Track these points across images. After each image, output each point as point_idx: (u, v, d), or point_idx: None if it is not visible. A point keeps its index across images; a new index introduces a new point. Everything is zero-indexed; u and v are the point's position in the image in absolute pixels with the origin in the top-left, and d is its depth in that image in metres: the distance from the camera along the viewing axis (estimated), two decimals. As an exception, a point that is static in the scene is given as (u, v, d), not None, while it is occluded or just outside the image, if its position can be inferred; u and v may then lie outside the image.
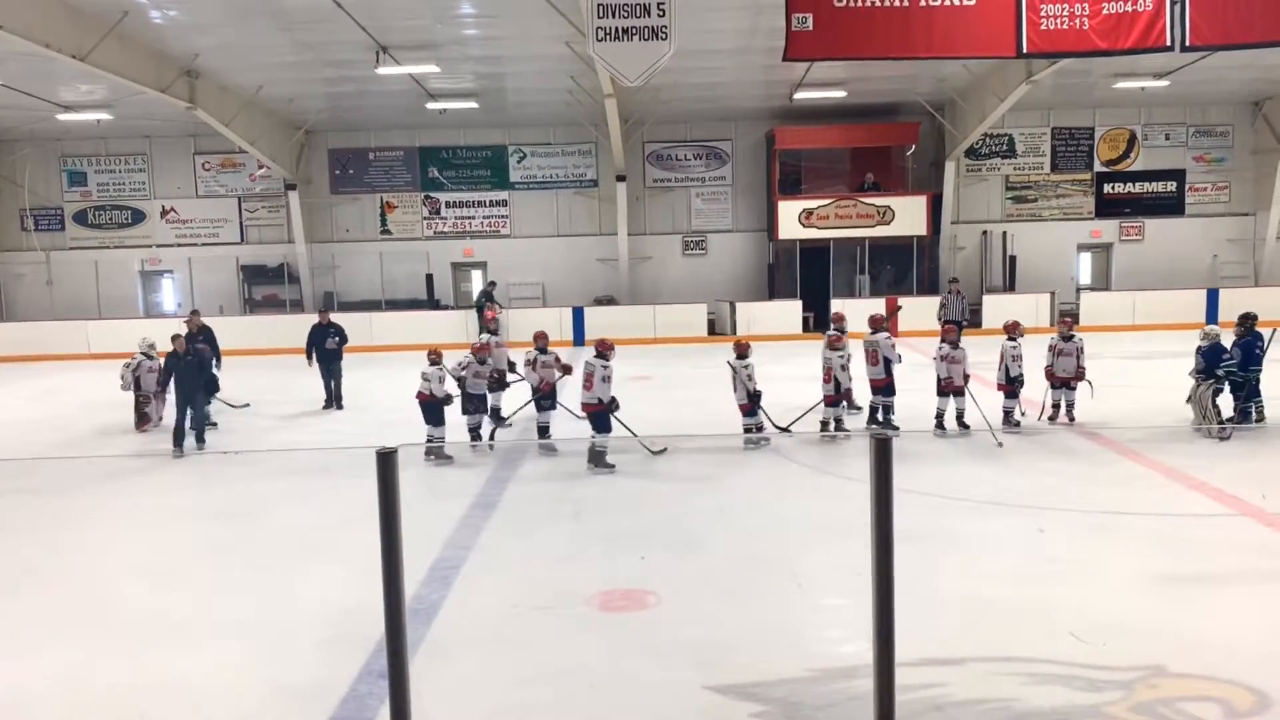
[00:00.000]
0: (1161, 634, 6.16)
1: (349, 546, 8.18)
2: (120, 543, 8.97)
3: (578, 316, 23.81)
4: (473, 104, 22.28)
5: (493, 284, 23.87)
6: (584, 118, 23.10)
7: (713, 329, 24.15)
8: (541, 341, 12.12)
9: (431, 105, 21.97)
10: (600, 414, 10.89)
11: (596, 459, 10.77)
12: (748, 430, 11.70)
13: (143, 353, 13.86)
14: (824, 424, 12.07)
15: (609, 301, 24.97)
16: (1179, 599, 6.79)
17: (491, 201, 25.97)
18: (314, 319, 15.83)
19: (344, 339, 15.25)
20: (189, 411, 12.27)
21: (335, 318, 15.83)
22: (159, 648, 6.42)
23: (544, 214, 25.97)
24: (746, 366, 11.59)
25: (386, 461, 2.66)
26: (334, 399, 15.07)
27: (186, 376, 12.31)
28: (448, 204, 26.02)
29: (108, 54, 15.74)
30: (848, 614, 6.52)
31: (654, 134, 25.03)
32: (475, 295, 24.29)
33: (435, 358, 11.78)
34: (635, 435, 11.24)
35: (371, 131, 25.53)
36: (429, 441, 11.36)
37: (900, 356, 12.44)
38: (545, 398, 11.82)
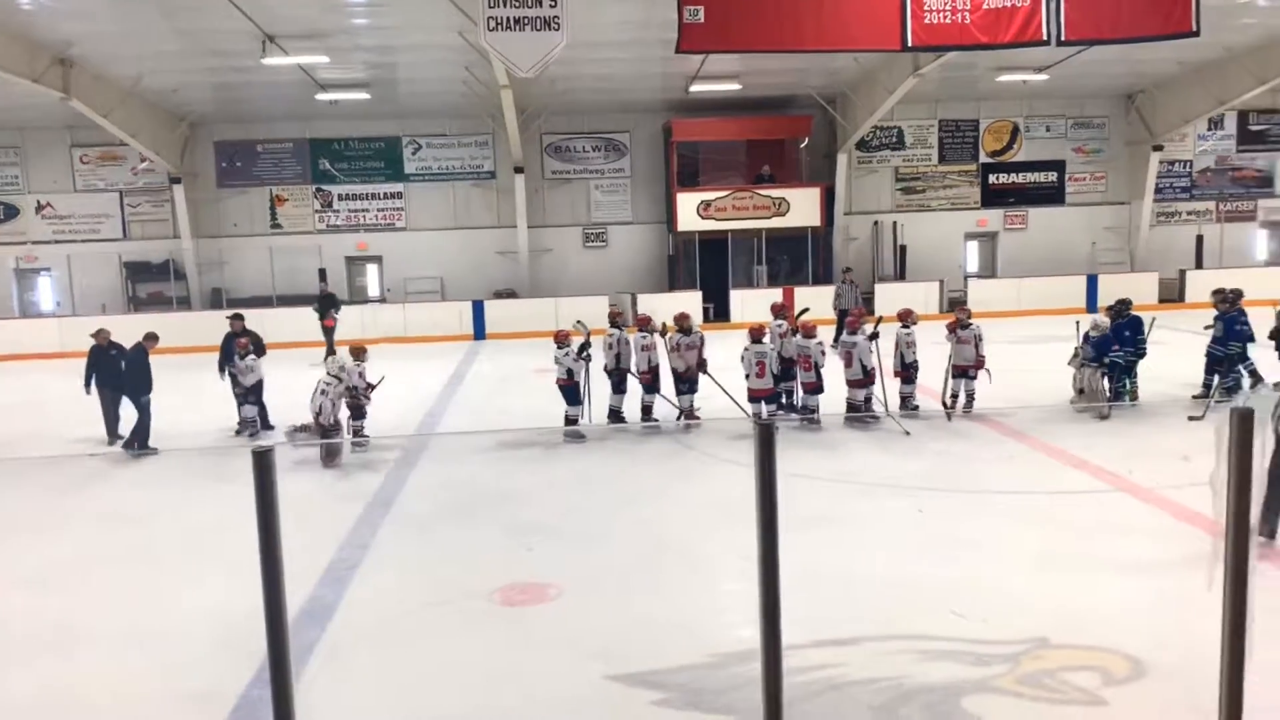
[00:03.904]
0: (1045, 607, 6.41)
1: (245, 549, 7.96)
2: (4, 549, 8.56)
3: (477, 310, 23.59)
4: (365, 95, 21.85)
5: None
6: (480, 109, 22.84)
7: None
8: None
9: (322, 96, 21.47)
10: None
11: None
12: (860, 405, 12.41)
13: (334, 375, 11.46)
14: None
15: (509, 294, 24.78)
16: (1061, 573, 7.07)
17: (386, 194, 25.50)
18: (217, 326, 14.36)
19: (263, 350, 13.43)
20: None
21: (224, 315, 14.88)
22: (46, 657, 6.16)
23: (440, 206, 25.61)
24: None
25: (262, 461, 2.59)
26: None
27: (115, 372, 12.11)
28: (340, 197, 25.45)
29: (-28, 41, 14.96)
30: (747, 599, 6.59)
31: (552, 125, 24.90)
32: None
33: (562, 340, 11.96)
34: (740, 406, 12.17)
35: (259, 123, 24.79)
36: (568, 423, 11.90)
37: (825, 355, 12.35)
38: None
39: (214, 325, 18.03)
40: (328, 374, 11.52)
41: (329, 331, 19.90)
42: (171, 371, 15.55)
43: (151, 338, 12.38)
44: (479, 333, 23.28)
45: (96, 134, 22.46)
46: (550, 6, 9.58)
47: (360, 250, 25.56)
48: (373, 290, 25.84)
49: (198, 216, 24.62)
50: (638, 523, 8.72)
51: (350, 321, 22.69)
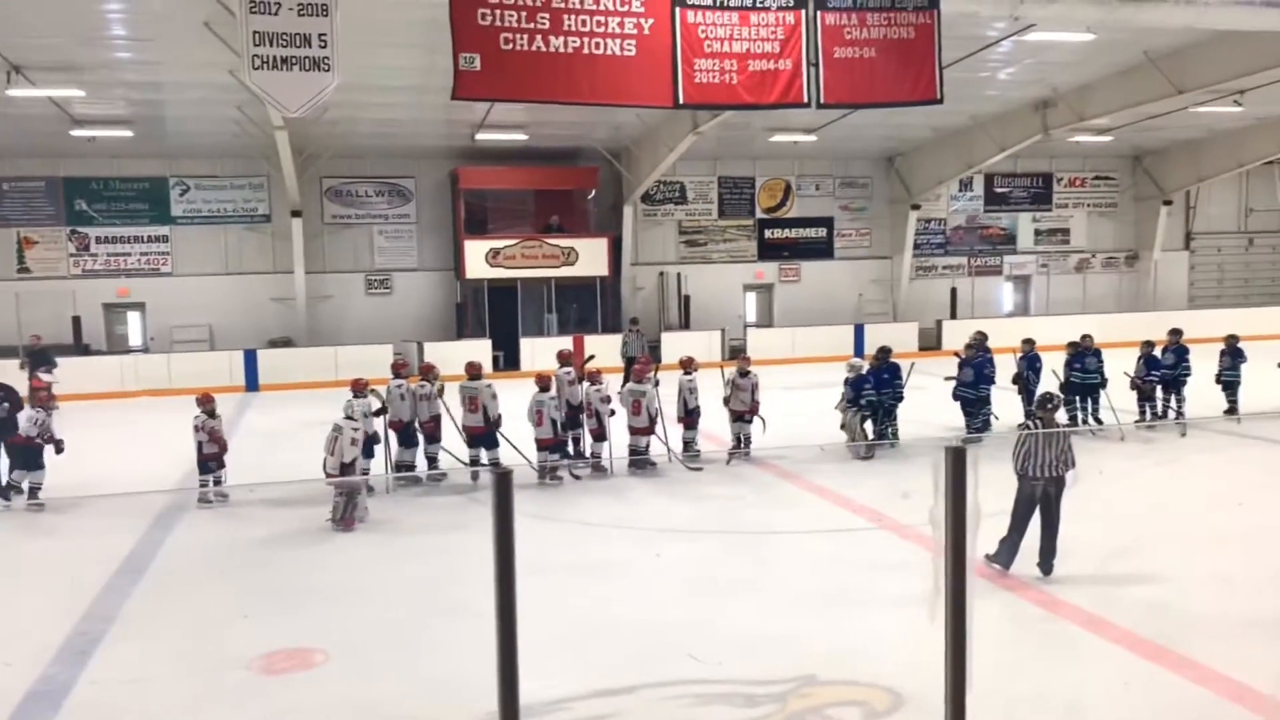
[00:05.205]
0: (813, 644, 6.62)
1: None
2: None
3: (250, 360, 22.40)
4: (126, 132, 20.53)
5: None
6: (254, 150, 21.91)
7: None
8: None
9: (77, 132, 20.00)
10: (488, 435, 11.81)
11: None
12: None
13: (350, 416, 10.41)
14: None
15: (285, 343, 23.70)
16: (828, 609, 7.33)
17: (150, 237, 23.92)
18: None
19: (16, 404, 12.30)
20: None
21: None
22: None
23: (211, 251, 24.26)
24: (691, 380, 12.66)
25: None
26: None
27: None
28: (99, 239, 23.67)
29: None
30: (527, 651, 6.48)
31: (332, 169, 24.16)
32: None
33: (359, 389, 11.26)
34: (525, 457, 11.77)
35: (5, 159, 22.79)
36: (399, 468, 11.80)
37: (609, 402, 12.39)
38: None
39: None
40: (345, 416, 10.32)
41: (36, 393, 17.65)
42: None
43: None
44: (251, 384, 22.11)
45: None
46: (320, 47, 9.30)
47: (121, 296, 23.84)
48: (135, 339, 24.12)
49: (-70, 259, 22.34)
50: (415, 580, 8.42)
51: (110, 373, 21.12)
